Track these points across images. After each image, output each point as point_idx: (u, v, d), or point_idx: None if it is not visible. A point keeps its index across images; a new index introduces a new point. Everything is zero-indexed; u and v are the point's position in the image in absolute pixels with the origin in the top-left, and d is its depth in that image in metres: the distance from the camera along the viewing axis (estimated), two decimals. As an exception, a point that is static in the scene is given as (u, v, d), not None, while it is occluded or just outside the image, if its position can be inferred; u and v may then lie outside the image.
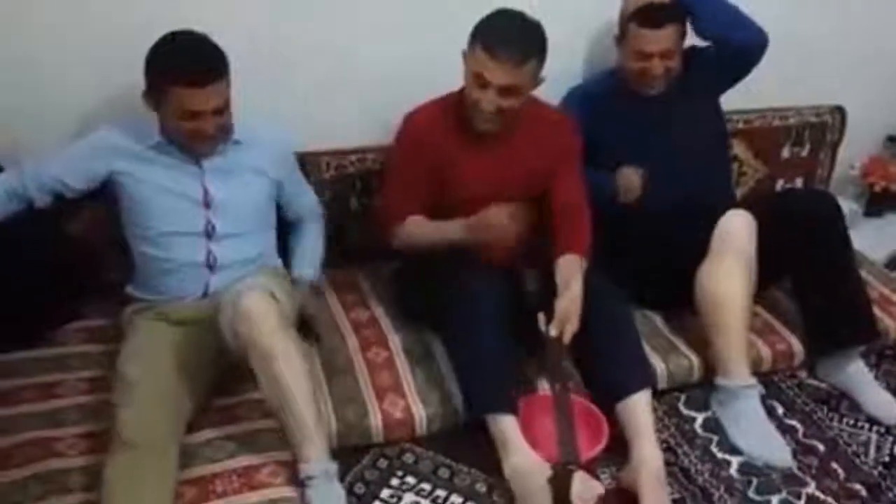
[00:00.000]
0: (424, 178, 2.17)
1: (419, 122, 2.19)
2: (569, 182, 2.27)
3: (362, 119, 2.44)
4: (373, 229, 2.52)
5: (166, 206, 2.02)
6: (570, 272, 2.11)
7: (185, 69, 1.87)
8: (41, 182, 2.00)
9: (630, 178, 2.37)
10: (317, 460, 1.79)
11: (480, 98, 2.04)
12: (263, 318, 1.78)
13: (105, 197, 2.08)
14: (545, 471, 1.86)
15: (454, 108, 2.17)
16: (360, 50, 2.39)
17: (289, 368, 1.79)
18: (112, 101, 2.19)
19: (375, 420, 2.02)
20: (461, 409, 2.04)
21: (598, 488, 1.85)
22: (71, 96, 2.19)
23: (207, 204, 2.04)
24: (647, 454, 1.97)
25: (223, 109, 1.95)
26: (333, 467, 1.81)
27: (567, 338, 2.03)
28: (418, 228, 2.17)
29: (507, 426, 1.95)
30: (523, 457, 1.91)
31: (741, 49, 2.40)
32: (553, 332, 2.03)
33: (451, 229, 2.11)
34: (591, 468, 1.99)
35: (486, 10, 2.06)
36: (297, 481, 1.79)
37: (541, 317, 2.06)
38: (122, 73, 2.04)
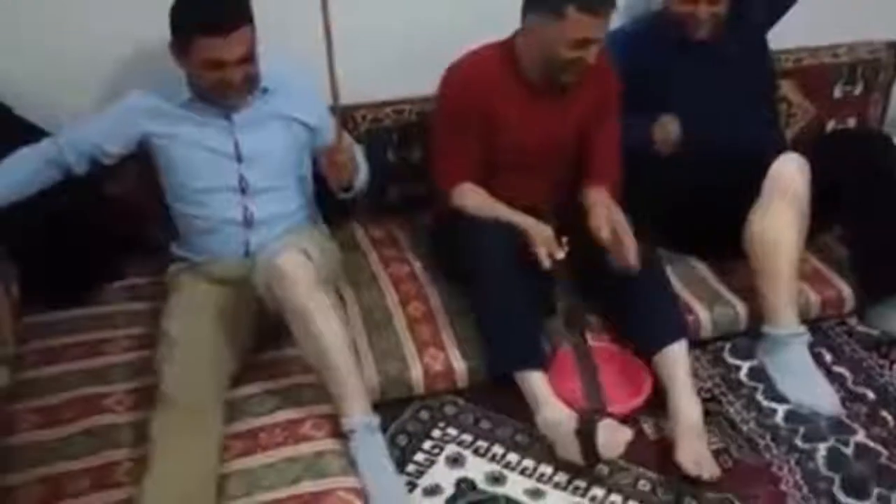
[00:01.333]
0: (475, 132, 2.12)
1: (466, 73, 2.15)
2: (606, 133, 2.25)
3: (399, 70, 2.39)
4: (410, 182, 2.54)
5: (199, 163, 2.02)
6: (598, 197, 2.13)
7: (205, 17, 1.85)
8: (78, 148, 2.01)
9: (666, 129, 2.29)
10: (358, 414, 1.81)
11: (584, 55, 2.01)
12: (298, 278, 1.79)
13: (142, 158, 2.09)
14: (573, 421, 1.86)
15: (502, 60, 2.13)
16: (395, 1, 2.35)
17: (326, 326, 1.80)
18: (141, 59, 2.19)
19: (416, 373, 2.03)
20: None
21: (625, 435, 1.84)
22: (101, 56, 2.20)
23: (239, 158, 2.03)
24: (684, 405, 1.95)
25: (249, 58, 1.93)
26: (375, 420, 1.83)
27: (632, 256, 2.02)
28: (473, 201, 2.13)
29: (534, 381, 1.96)
30: (552, 409, 1.93)
31: None
32: (561, 254, 2.00)
33: (504, 216, 2.08)
34: (630, 417, 1.98)
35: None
36: (340, 434, 1.81)
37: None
38: (152, 27, 2.01)
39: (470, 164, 2.15)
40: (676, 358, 2.01)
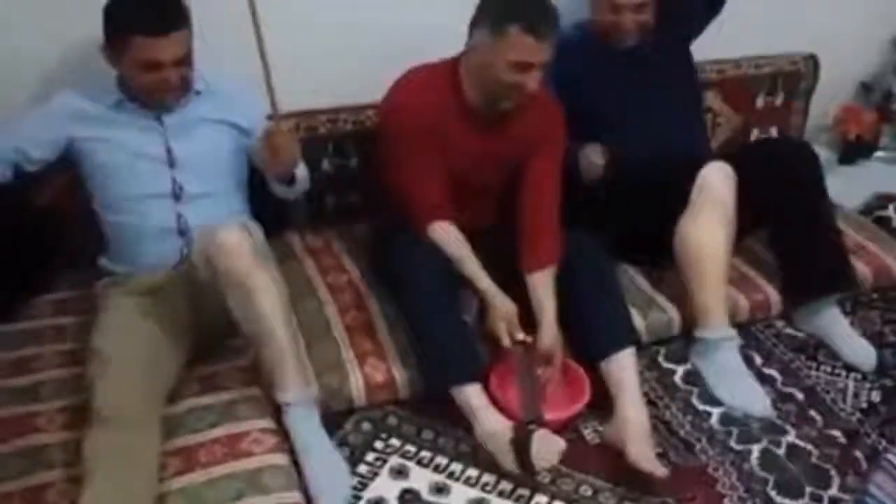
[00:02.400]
0: (434, 151, 2.06)
1: (413, 93, 2.09)
2: (544, 164, 2.18)
3: (332, 79, 2.38)
4: (346, 191, 2.52)
5: (130, 168, 1.97)
6: (545, 295, 2.07)
7: (146, 17, 1.82)
8: (0, 155, 1.93)
9: (591, 159, 2.30)
10: (294, 388, 1.82)
11: (523, 80, 1.96)
12: (239, 250, 1.77)
13: (70, 166, 2.02)
14: (508, 432, 1.87)
15: (447, 82, 2.09)
16: (331, 9, 2.34)
17: (266, 299, 1.79)
18: (68, 59, 2.13)
19: (357, 384, 2.01)
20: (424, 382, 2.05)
21: (558, 445, 1.86)
22: (25, 56, 2.12)
23: (172, 162, 1.99)
24: (632, 411, 1.98)
25: (185, 60, 1.90)
26: (313, 392, 1.86)
27: (548, 378, 2.03)
28: (449, 248, 2.07)
29: (470, 394, 1.96)
30: (488, 421, 1.93)
31: None
32: (520, 336, 2.00)
33: (475, 277, 2.05)
34: (570, 424, 2.01)
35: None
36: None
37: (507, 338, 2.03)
38: (77, 29, 2.00)
39: (441, 190, 2.09)
40: (625, 365, 2.03)
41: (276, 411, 1.87)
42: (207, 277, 1.82)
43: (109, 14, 1.86)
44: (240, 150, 2.10)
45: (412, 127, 2.06)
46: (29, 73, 2.14)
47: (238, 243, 1.78)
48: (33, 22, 2.08)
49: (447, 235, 2.08)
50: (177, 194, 2.00)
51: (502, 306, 2.02)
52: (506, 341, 1.99)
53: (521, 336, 2.00)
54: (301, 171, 2.08)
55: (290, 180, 2.05)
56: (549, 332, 2.04)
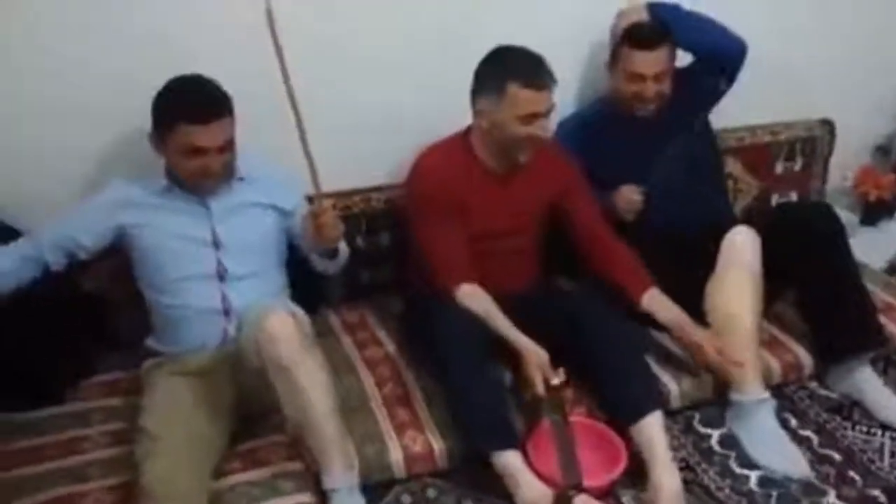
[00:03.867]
0: (456, 221, 2.18)
1: (431, 166, 2.23)
2: (589, 210, 2.34)
3: (365, 160, 2.49)
4: (380, 267, 2.59)
5: (176, 251, 2.05)
6: (668, 305, 2.24)
7: (191, 106, 1.93)
8: (55, 244, 2.03)
9: (629, 196, 2.43)
10: (340, 473, 1.86)
11: (534, 131, 2.11)
12: (287, 338, 1.83)
13: (118, 252, 2.11)
14: (549, 499, 1.89)
15: (461, 150, 2.23)
16: (361, 94, 2.44)
17: (312, 386, 1.84)
18: (117, 152, 2.24)
19: (396, 455, 2.03)
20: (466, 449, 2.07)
21: None
22: (74, 150, 2.22)
23: (217, 245, 2.07)
24: (664, 476, 1.99)
25: (228, 147, 2.00)
26: (356, 480, 1.89)
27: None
28: (478, 307, 2.14)
29: (509, 461, 1.98)
30: (529, 488, 1.95)
31: (722, 54, 2.47)
32: (556, 381, 2.05)
33: (506, 331, 2.12)
34: (609, 490, 2.02)
35: (480, 52, 2.15)
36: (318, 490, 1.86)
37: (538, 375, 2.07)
38: (126, 122, 2.12)
39: (465, 258, 2.18)
40: (653, 429, 2.05)
41: (317, 484, 1.90)
42: (256, 363, 1.88)
43: (157, 103, 1.98)
44: (281, 231, 2.18)
45: (433, 198, 2.19)
46: (80, 163, 2.25)
47: (286, 331, 1.84)
48: (80, 116, 2.19)
49: (474, 295, 2.15)
50: (221, 275, 2.07)
51: (535, 354, 2.06)
52: (540, 389, 2.02)
53: (556, 381, 2.03)
54: (342, 246, 2.16)
55: (333, 255, 2.12)
56: (690, 331, 2.19)
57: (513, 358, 2.12)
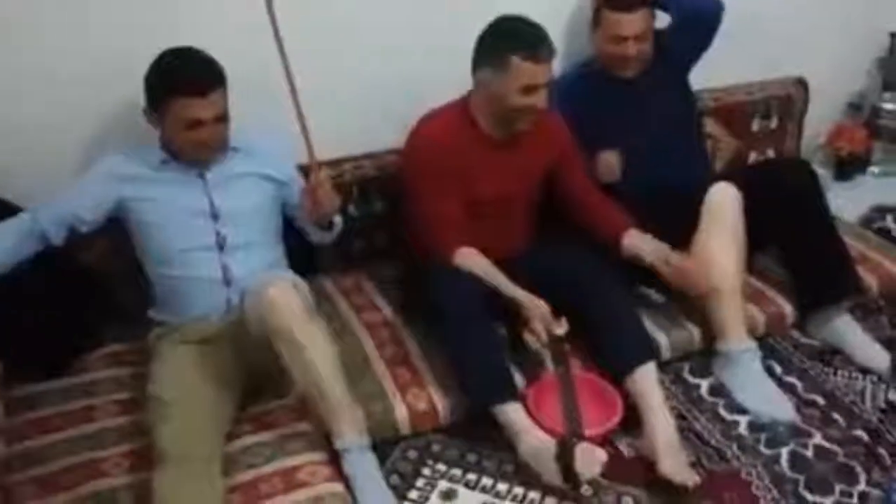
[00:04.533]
0: (453, 189, 2.23)
1: (431, 135, 2.26)
2: (580, 175, 2.42)
3: (356, 127, 2.52)
4: (373, 234, 2.64)
5: (176, 223, 2.08)
6: (646, 239, 2.30)
7: (187, 79, 1.96)
8: (55, 218, 2.05)
9: (608, 161, 2.50)
10: (350, 434, 1.92)
11: (533, 101, 2.15)
12: (290, 307, 1.89)
13: (114, 224, 2.14)
14: (552, 447, 1.96)
15: (461, 118, 2.26)
16: (352, 60, 2.47)
17: (317, 353, 1.90)
18: (111, 126, 2.26)
19: (401, 413, 2.10)
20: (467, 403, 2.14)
21: (601, 455, 1.95)
22: (70, 124, 2.24)
23: (215, 215, 2.11)
24: (659, 423, 2.08)
25: (224, 117, 2.04)
26: (366, 440, 1.95)
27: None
28: (476, 267, 2.19)
29: (511, 413, 2.06)
30: (531, 438, 2.03)
31: (700, 13, 2.53)
32: (560, 331, 2.12)
33: (505, 288, 2.17)
34: (607, 439, 2.11)
35: (479, 21, 2.19)
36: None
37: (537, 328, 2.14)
38: (120, 95, 2.15)
39: (461, 224, 2.23)
40: (647, 379, 2.14)
41: (328, 444, 1.96)
42: (260, 333, 1.92)
43: (150, 79, 2.00)
44: (276, 200, 2.22)
45: (431, 164, 2.23)
46: (75, 139, 2.27)
47: (289, 301, 1.90)
48: (77, 89, 2.20)
49: (471, 257, 2.21)
50: (221, 245, 2.11)
51: (535, 306, 2.12)
52: (543, 338, 2.10)
53: (560, 331, 2.11)
54: (336, 217, 2.20)
55: (329, 226, 2.17)
56: (676, 256, 2.25)
57: (513, 314, 2.18)
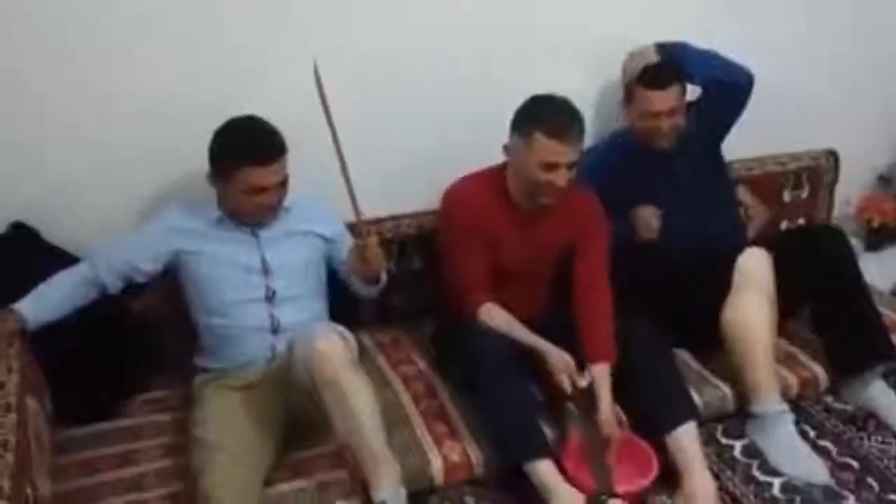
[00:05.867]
0: (481, 247, 2.28)
1: (463, 196, 2.33)
2: (592, 262, 2.38)
3: (397, 188, 2.62)
4: (411, 291, 2.70)
5: (228, 278, 2.17)
6: (601, 385, 2.20)
7: (254, 150, 2.06)
8: (113, 268, 2.15)
9: (646, 216, 2.54)
10: (388, 487, 1.94)
11: (553, 179, 2.17)
12: (338, 357, 1.94)
13: (167, 275, 2.23)
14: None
15: (494, 184, 2.32)
16: (398, 130, 2.59)
17: (360, 402, 1.95)
18: (170, 188, 2.37)
19: (436, 464, 2.13)
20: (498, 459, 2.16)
21: None
22: (133, 186, 2.36)
23: (266, 271, 2.19)
24: (700, 482, 2.10)
25: (284, 184, 2.13)
26: (403, 492, 1.96)
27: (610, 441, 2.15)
28: (500, 322, 2.24)
29: (542, 470, 2.07)
30: (562, 495, 2.04)
31: (731, 86, 2.59)
32: (583, 383, 2.17)
33: (529, 339, 2.22)
34: (640, 497, 2.11)
35: (516, 95, 2.26)
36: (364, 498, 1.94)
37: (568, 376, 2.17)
38: (182, 161, 2.26)
39: (487, 280, 2.28)
40: (690, 437, 2.16)
41: (363, 491, 1.99)
42: (304, 380, 1.98)
43: (219, 146, 2.10)
44: (323, 256, 2.32)
45: (460, 224, 2.30)
46: (138, 195, 2.38)
47: (337, 351, 1.96)
48: (145, 151, 2.33)
49: (495, 312, 2.26)
50: (269, 298, 2.19)
51: (560, 358, 2.17)
52: (567, 388, 2.13)
53: (583, 382, 2.15)
54: (383, 274, 2.28)
55: (374, 281, 2.26)
56: (606, 416, 2.17)
57: (541, 367, 2.21)
